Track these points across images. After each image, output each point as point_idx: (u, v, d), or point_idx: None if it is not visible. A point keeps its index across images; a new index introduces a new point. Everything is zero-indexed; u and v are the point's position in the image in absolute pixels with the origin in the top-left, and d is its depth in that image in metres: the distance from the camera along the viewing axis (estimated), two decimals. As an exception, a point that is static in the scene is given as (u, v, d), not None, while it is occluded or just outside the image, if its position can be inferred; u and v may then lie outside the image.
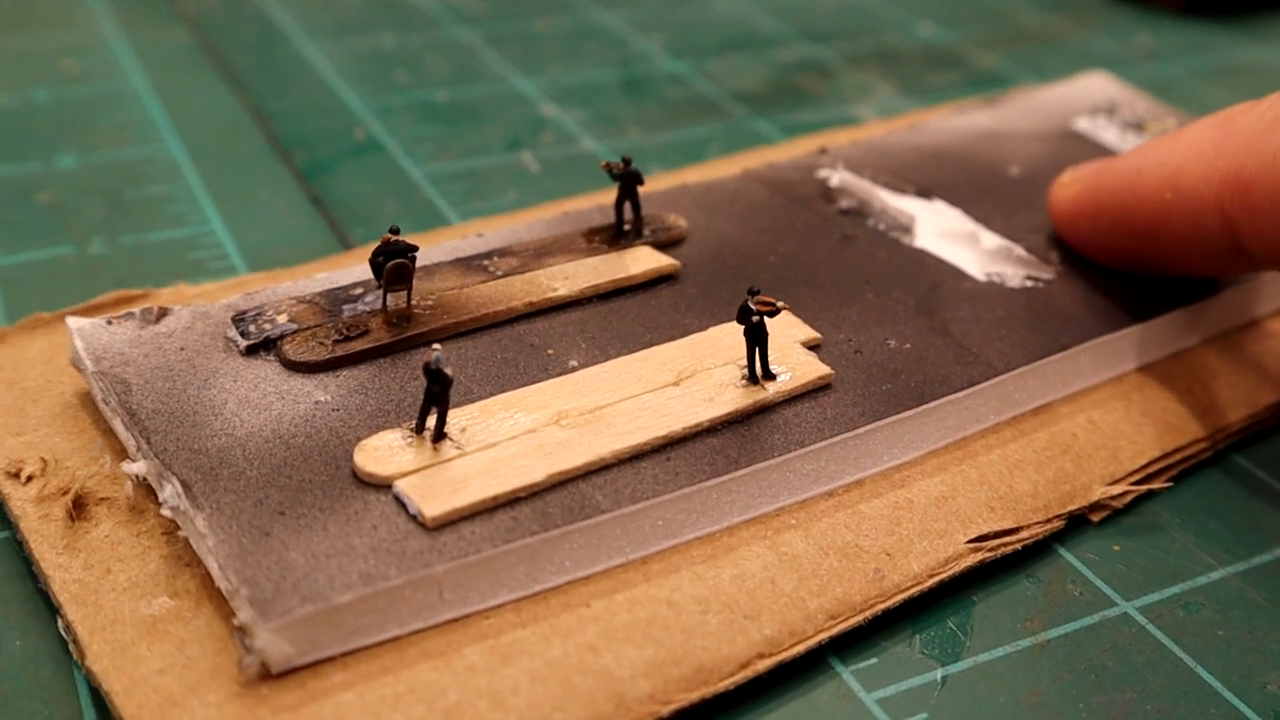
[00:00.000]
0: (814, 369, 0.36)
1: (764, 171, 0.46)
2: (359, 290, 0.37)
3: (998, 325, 0.39)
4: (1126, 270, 0.42)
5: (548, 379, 0.35)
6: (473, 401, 0.33)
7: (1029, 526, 0.34)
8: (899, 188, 0.46)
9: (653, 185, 0.43)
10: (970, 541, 0.33)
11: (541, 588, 0.30)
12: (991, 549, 0.33)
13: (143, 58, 0.58)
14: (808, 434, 0.34)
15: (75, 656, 0.29)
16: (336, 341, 0.35)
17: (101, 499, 0.32)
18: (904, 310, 0.39)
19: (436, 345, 0.32)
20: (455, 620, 0.30)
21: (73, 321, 0.35)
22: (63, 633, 0.29)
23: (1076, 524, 0.36)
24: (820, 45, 0.66)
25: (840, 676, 0.31)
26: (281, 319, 0.36)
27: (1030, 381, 0.38)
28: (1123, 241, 0.40)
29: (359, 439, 0.32)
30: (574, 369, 0.35)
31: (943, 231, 0.43)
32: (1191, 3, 0.73)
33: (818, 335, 0.37)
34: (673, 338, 0.37)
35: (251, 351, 0.35)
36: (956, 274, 0.41)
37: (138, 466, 0.32)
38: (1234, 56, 0.68)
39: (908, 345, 0.38)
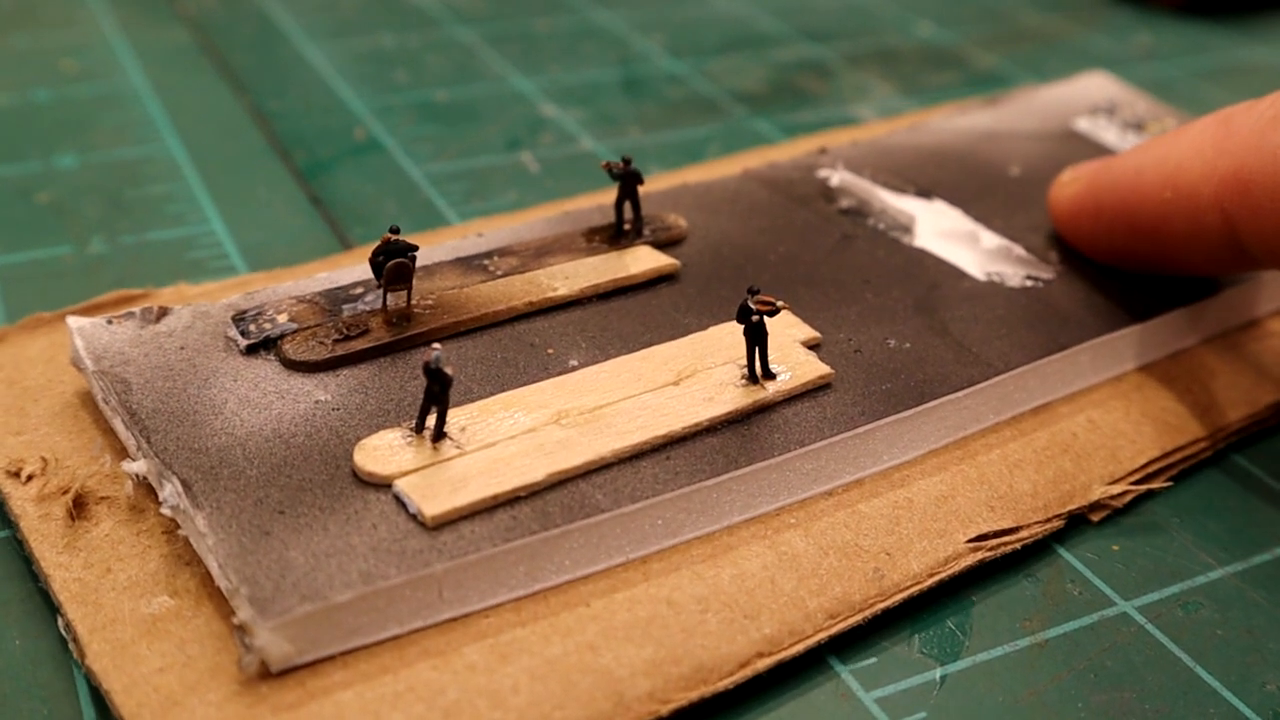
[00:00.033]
0: (814, 368, 0.36)
1: (764, 171, 0.46)
2: (359, 290, 0.37)
3: (997, 325, 0.39)
4: (1126, 269, 0.42)
5: (548, 378, 0.35)
6: (473, 401, 0.33)
7: (1028, 526, 0.34)
8: (899, 187, 0.46)
9: (653, 185, 0.44)
10: (970, 541, 0.33)
11: (541, 587, 0.30)
12: (991, 548, 0.33)
13: (143, 58, 0.58)
14: (807, 433, 0.34)
15: (75, 655, 0.29)
16: (336, 341, 0.35)
17: (102, 498, 0.32)
18: (904, 310, 0.39)
19: (436, 345, 0.32)
20: (455, 619, 0.30)
21: (73, 321, 0.35)
22: (63, 631, 0.29)
23: (1076, 524, 0.36)
24: (820, 45, 0.66)
25: (839, 676, 0.31)
26: (282, 318, 0.36)
27: (1030, 381, 0.38)
28: (1123, 241, 0.40)
29: (359, 438, 0.32)
30: (574, 368, 0.35)
31: (942, 231, 0.43)
32: (1191, 2, 0.73)
33: (817, 335, 0.37)
34: (673, 337, 0.37)
35: (252, 351, 0.35)
36: (956, 274, 0.41)
37: (138, 465, 0.32)
38: (1234, 56, 0.68)
39: (907, 345, 0.38)
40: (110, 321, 0.35)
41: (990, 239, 0.43)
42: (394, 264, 0.35)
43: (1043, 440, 0.37)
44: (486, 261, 0.39)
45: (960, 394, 0.36)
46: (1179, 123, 0.52)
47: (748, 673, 0.30)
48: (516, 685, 0.28)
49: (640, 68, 0.62)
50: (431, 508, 0.30)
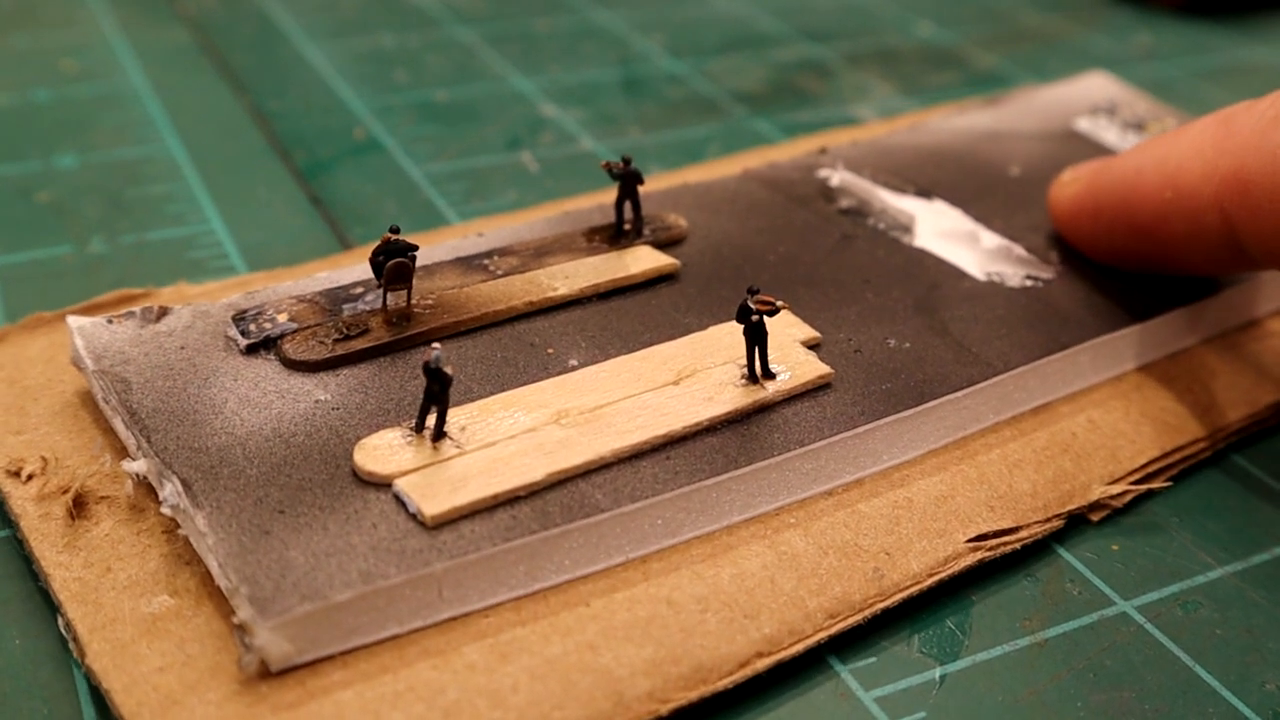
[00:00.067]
0: (813, 368, 0.36)
1: (764, 171, 0.46)
2: (359, 289, 0.37)
3: (997, 325, 0.39)
4: (1126, 269, 0.42)
5: (547, 378, 0.35)
6: (472, 400, 0.33)
7: (1028, 526, 0.34)
8: (899, 187, 0.46)
9: (653, 185, 0.44)
10: (969, 541, 0.33)
11: (541, 586, 0.30)
12: (991, 548, 0.33)
13: (143, 58, 0.58)
14: (807, 433, 0.34)
15: (75, 654, 0.29)
16: (337, 340, 0.35)
17: (102, 497, 0.32)
18: (904, 310, 0.39)
19: (436, 344, 0.32)
20: (455, 619, 0.30)
21: (73, 320, 0.35)
22: (63, 631, 0.29)
23: (1075, 523, 0.36)
24: (820, 45, 0.66)
25: (839, 675, 0.31)
26: (282, 318, 0.36)
27: (1030, 381, 0.38)
28: (1123, 240, 0.40)
29: (359, 438, 0.32)
30: (574, 368, 0.35)
31: (943, 231, 0.43)
32: (1191, 2, 0.73)
33: (817, 334, 0.37)
34: (672, 337, 0.37)
35: (252, 350, 0.35)
36: (956, 273, 0.41)
37: (138, 465, 0.32)
38: (1234, 56, 0.68)
39: (907, 344, 0.38)
40: (110, 321, 0.35)
41: (990, 239, 0.43)
42: (394, 264, 0.35)
43: (1042, 440, 0.37)
44: (487, 261, 0.39)
45: (960, 394, 0.36)
46: (1179, 123, 0.52)
47: (747, 672, 0.30)
48: (516, 685, 0.28)
49: (640, 68, 0.62)
50: (431, 507, 0.30)
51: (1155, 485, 0.37)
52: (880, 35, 0.68)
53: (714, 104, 0.58)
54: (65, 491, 0.32)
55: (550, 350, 0.36)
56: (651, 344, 0.36)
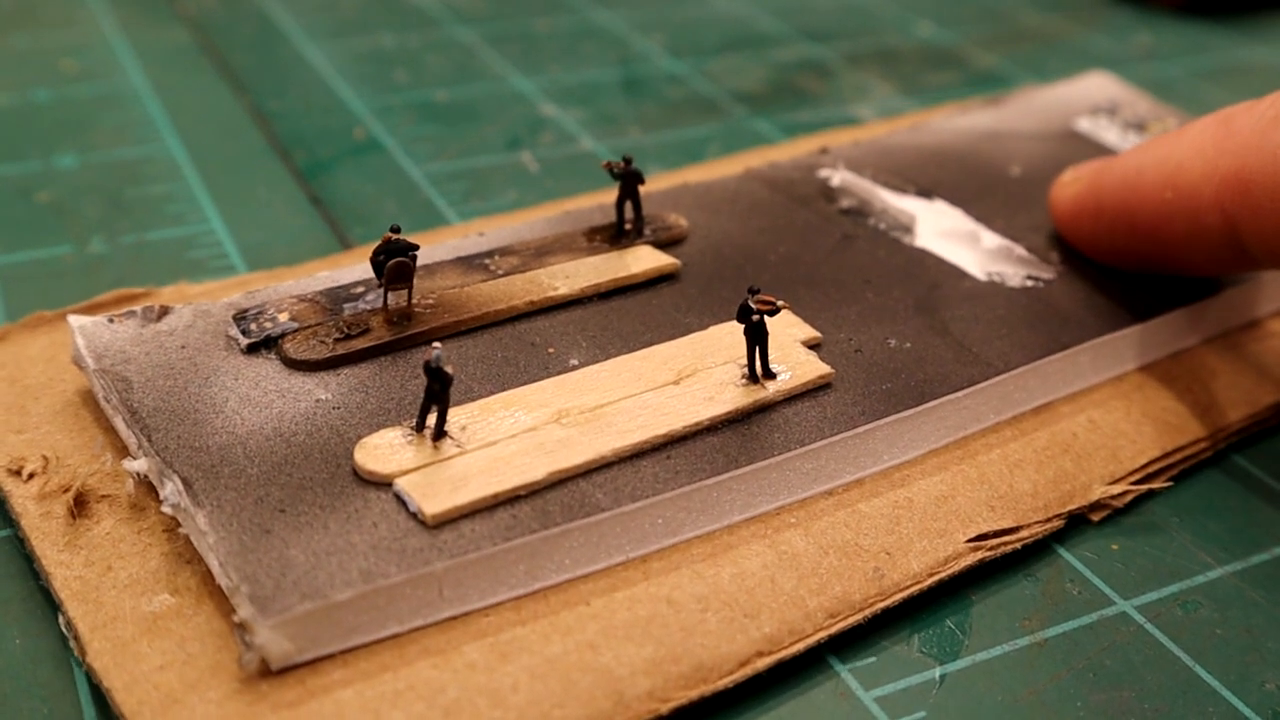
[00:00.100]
0: (814, 368, 0.36)
1: (765, 171, 0.46)
2: (360, 289, 0.37)
3: (998, 325, 0.39)
4: (1127, 269, 0.42)
5: (548, 377, 0.35)
6: (473, 400, 0.33)
7: (1029, 526, 0.34)
8: (900, 187, 0.46)
9: (653, 185, 0.44)
10: (970, 540, 0.33)
11: (541, 585, 0.30)
12: (991, 548, 0.33)
13: (143, 58, 0.58)
14: (808, 433, 0.34)
15: (76, 653, 0.29)
16: (337, 340, 0.35)
17: (102, 496, 0.32)
18: (904, 309, 0.39)
19: (437, 343, 0.32)
20: (455, 618, 0.30)
21: (74, 319, 0.35)
22: (64, 630, 0.29)
23: (1075, 523, 0.36)
24: (820, 45, 0.66)
25: (839, 675, 0.31)
26: (282, 317, 0.36)
27: (1030, 381, 0.38)
28: (1123, 240, 0.40)
29: (359, 437, 0.32)
30: (574, 367, 0.35)
31: (943, 231, 0.43)
32: (1191, 2, 0.73)
33: (818, 334, 0.37)
34: (673, 336, 0.37)
35: (252, 350, 0.35)
36: (957, 273, 0.41)
37: (139, 464, 0.32)
38: (1234, 56, 0.68)
39: (908, 344, 0.38)
40: (111, 320, 0.35)
41: (991, 239, 0.43)
42: (395, 263, 0.35)
43: (1043, 440, 0.37)
44: (487, 261, 0.39)
45: (961, 394, 0.36)
46: (1180, 123, 0.52)
47: (747, 671, 0.30)
48: (516, 684, 0.28)
49: (640, 68, 0.62)
50: (432, 506, 0.30)
51: (1156, 485, 0.37)
52: (880, 35, 0.68)
53: (714, 104, 0.58)
54: (66, 490, 0.32)
55: (551, 350, 0.36)
56: (652, 343, 0.36)
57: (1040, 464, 0.36)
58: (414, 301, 0.37)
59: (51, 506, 0.32)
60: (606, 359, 0.36)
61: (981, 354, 0.37)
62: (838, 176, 0.46)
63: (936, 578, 0.32)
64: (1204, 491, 0.37)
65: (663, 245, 0.41)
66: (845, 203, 0.45)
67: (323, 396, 0.34)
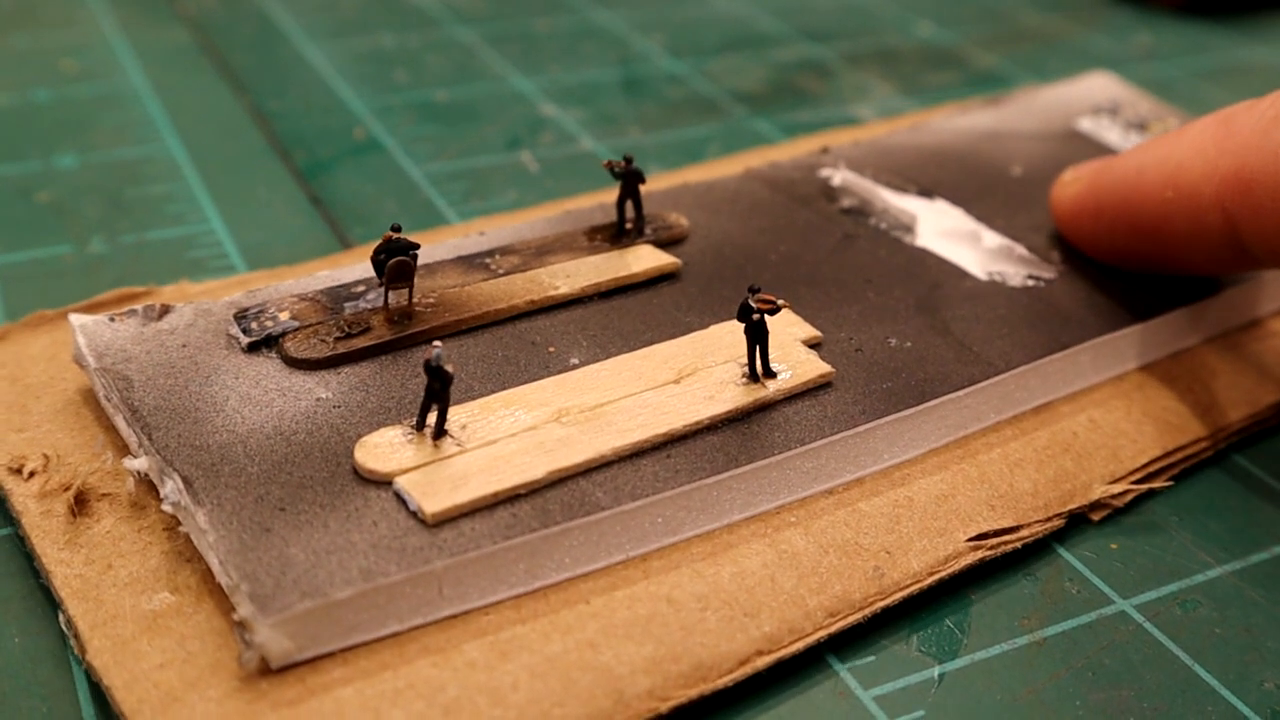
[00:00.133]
0: (814, 367, 0.36)
1: (765, 171, 0.46)
2: (361, 288, 0.37)
3: (999, 324, 0.39)
4: (1128, 269, 0.42)
5: (549, 376, 0.35)
6: (474, 399, 0.33)
7: (1029, 525, 0.34)
8: (901, 187, 0.46)
9: (654, 184, 0.44)
10: (970, 540, 0.33)
11: (541, 584, 0.30)
12: (991, 547, 0.33)
13: (143, 58, 0.58)
14: (808, 432, 0.34)
15: (76, 651, 0.29)
16: (338, 339, 0.35)
17: (103, 495, 0.32)
18: (905, 309, 0.39)
19: (437, 342, 0.32)
20: (455, 616, 0.30)
21: (75, 318, 0.35)
22: (64, 628, 0.29)
23: (1074, 522, 0.36)
24: (820, 45, 0.66)
25: (838, 674, 0.31)
26: (283, 316, 0.36)
27: (1031, 380, 0.38)
28: (1124, 240, 0.40)
29: (360, 436, 0.32)
30: (575, 366, 0.35)
31: (944, 231, 0.43)
32: (1191, 2, 0.73)
33: (818, 333, 0.37)
34: (673, 336, 0.37)
35: (253, 348, 0.35)
36: (958, 273, 0.41)
37: (139, 462, 0.32)
38: (1234, 56, 0.69)
39: (909, 344, 0.38)
40: (112, 319, 0.36)
41: (992, 238, 0.43)
42: (395, 262, 0.35)
43: (1044, 439, 0.37)
44: (488, 260, 0.39)
45: (961, 393, 0.36)
46: (1182, 123, 0.52)
47: (747, 670, 0.30)
48: (516, 682, 0.28)
49: (640, 68, 0.62)
50: (432, 505, 0.30)
51: (1156, 485, 0.37)
52: (880, 35, 0.68)
53: (714, 104, 0.58)
54: (67, 489, 0.32)
55: (551, 349, 0.36)
56: (652, 343, 0.36)
57: (1041, 463, 0.36)
58: (414, 300, 0.37)
59: (52, 505, 0.32)
60: (607, 358, 0.36)
61: (982, 353, 0.37)
62: (839, 176, 0.46)
63: (936, 577, 0.32)
64: (1204, 491, 0.37)
65: (663, 244, 0.41)
66: (846, 202, 0.45)
67: (323, 395, 0.34)
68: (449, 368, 0.31)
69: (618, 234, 0.41)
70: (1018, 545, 0.34)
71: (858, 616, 0.31)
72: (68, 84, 0.55)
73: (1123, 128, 0.52)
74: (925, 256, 0.42)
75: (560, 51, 0.63)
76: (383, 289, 0.36)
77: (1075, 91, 0.55)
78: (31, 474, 0.33)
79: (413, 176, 0.50)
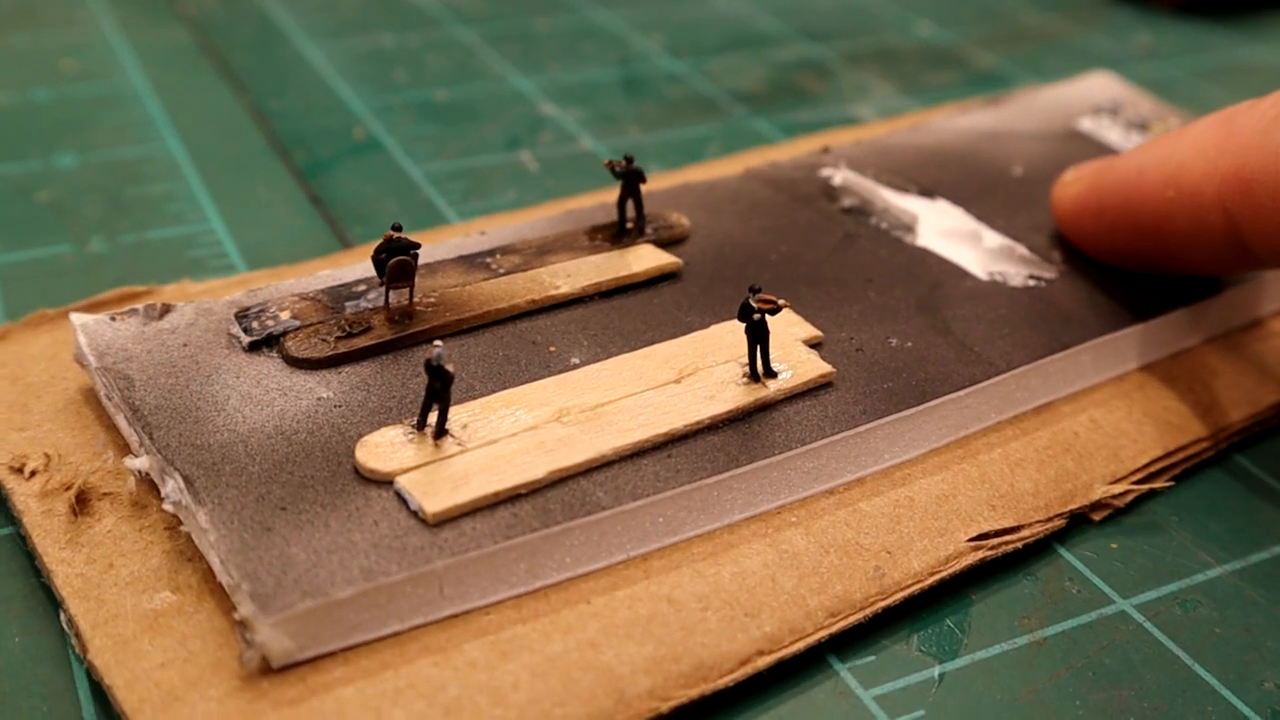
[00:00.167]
0: (815, 367, 0.36)
1: (766, 170, 0.47)
2: (361, 287, 0.37)
3: (1000, 324, 0.39)
4: (1129, 269, 0.42)
5: (549, 376, 0.35)
6: (474, 398, 0.33)
7: (1030, 525, 0.34)
8: (901, 187, 0.46)
9: (655, 184, 0.44)
10: (971, 540, 0.33)
11: (542, 584, 0.30)
12: (992, 547, 0.33)
13: (143, 58, 0.58)
14: (809, 432, 0.34)
15: (77, 651, 0.29)
16: (339, 338, 0.35)
17: (104, 494, 0.32)
18: (906, 309, 0.39)
19: (438, 342, 0.32)
20: (456, 616, 0.30)
21: (76, 318, 0.35)
22: (65, 627, 0.29)
23: (1075, 522, 0.36)
24: (819, 45, 0.66)
25: (838, 674, 0.31)
26: (284, 316, 0.36)
27: (1032, 380, 0.38)
28: (1125, 240, 0.40)
29: (361, 435, 0.32)
30: (576, 366, 0.35)
31: (945, 230, 0.43)
32: (1191, 2, 0.73)
33: (819, 333, 0.37)
34: (674, 335, 0.37)
35: (254, 348, 0.35)
36: (959, 273, 0.41)
37: (140, 462, 0.32)
38: (1234, 56, 0.69)
39: (909, 344, 0.38)
40: (113, 318, 0.35)
41: (993, 238, 0.43)
42: (396, 261, 0.35)
43: (1044, 439, 0.37)
44: (489, 259, 0.39)
45: (962, 393, 0.36)
46: (1183, 123, 0.52)
47: (748, 670, 0.30)
48: (517, 682, 0.28)
49: (640, 68, 0.62)
50: (433, 504, 0.30)
51: (1157, 485, 0.37)
52: (880, 35, 0.68)
53: (714, 104, 0.58)
54: (68, 488, 0.32)
55: (552, 348, 0.36)
56: (653, 342, 0.36)
57: (1041, 463, 0.36)
58: (415, 300, 0.37)
59: (53, 504, 0.32)
60: (608, 357, 0.36)
61: (983, 353, 0.37)
62: (839, 176, 0.46)
63: (937, 577, 0.32)
64: (1205, 491, 0.37)
65: (664, 244, 0.41)
66: (847, 202, 0.45)
67: (324, 394, 0.34)
68: (450, 367, 0.31)
69: (618, 233, 0.41)
70: (1018, 545, 0.34)
71: (858, 616, 0.31)
72: (68, 84, 0.55)
73: (1123, 128, 0.52)
74: (926, 256, 0.42)
75: (560, 51, 0.63)
76: (383, 288, 0.36)
77: (1075, 91, 0.55)
78: (33, 473, 0.33)
79: (413, 176, 0.50)
